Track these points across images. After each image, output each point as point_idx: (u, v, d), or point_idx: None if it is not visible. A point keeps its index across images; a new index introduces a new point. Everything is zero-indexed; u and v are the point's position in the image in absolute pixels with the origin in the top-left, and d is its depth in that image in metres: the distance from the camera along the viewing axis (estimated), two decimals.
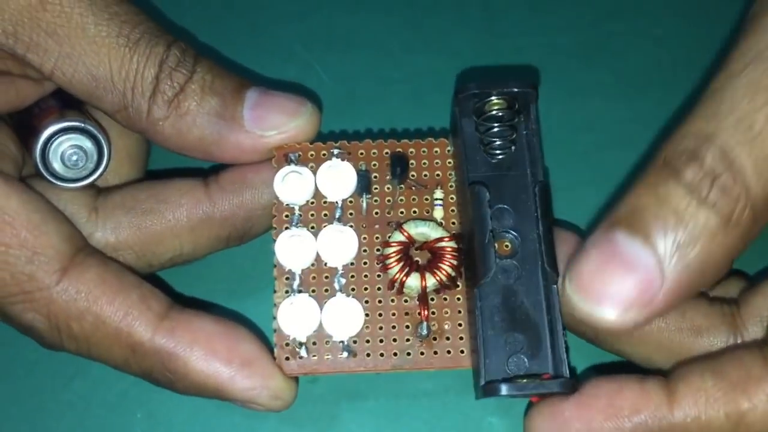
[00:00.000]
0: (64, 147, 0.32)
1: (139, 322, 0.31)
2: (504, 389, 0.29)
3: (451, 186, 0.34)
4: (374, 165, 0.34)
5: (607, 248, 0.28)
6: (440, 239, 0.32)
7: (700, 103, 0.28)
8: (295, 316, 0.32)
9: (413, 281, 0.32)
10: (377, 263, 0.32)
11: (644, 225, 0.28)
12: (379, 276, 0.32)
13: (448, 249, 0.32)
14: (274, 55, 0.40)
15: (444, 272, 0.32)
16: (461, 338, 0.32)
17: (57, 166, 0.32)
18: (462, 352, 0.32)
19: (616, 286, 0.28)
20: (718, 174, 0.27)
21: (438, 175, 0.34)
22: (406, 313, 0.32)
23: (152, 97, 0.31)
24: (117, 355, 0.31)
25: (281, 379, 0.31)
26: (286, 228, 0.33)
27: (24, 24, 0.30)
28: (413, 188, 0.34)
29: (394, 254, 0.32)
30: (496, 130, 0.32)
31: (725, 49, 0.29)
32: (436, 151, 0.34)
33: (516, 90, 0.32)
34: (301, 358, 0.32)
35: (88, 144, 0.32)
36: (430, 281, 0.32)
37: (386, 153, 0.34)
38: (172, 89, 0.32)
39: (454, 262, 0.32)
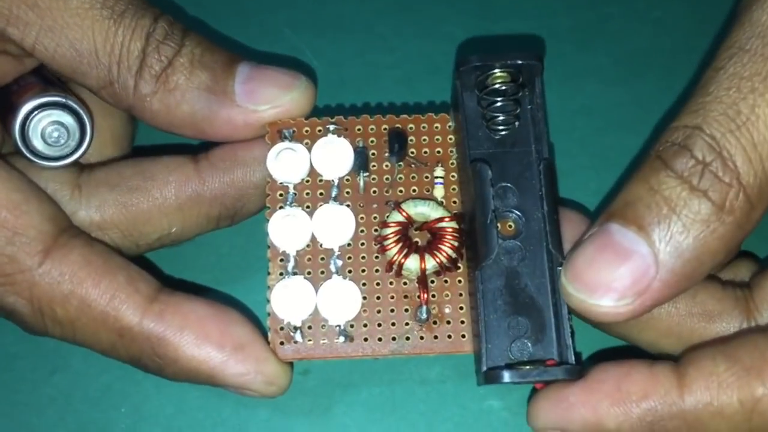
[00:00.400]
0: (45, 123, 0.31)
1: (126, 305, 0.29)
2: (507, 376, 0.28)
3: (452, 163, 0.32)
4: (372, 141, 0.32)
5: (602, 239, 0.28)
6: (440, 219, 0.31)
7: (689, 98, 0.29)
8: (290, 300, 0.30)
9: (412, 263, 0.31)
10: (375, 244, 0.31)
11: (637, 215, 0.27)
12: (377, 257, 0.31)
13: (449, 230, 0.31)
14: (263, 39, 0.39)
15: (444, 254, 0.30)
16: (462, 322, 0.31)
17: (37, 143, 0.31)
18: (463, 336, 0.31)
19: (610, 275, 0.27)
20: (707, 162, 0.27)
21: (438, 151, 0.32)
22: (405, 296, 0.31)
23: (139, 71, 0.30)
24: (104, 340, 0.30)
25: (275, 363, 0.30)
26: (280, 207, 0.31)
27: None
28: (412, 166, 0.32)
29: (392, 235, 0.31)
30: (499, 104, 0.31)
31: (723, 32, 0.30)
32: (437, 127, 0.33)
33: (520, 62, 0.31)
34: (296, 342, 0.30)
35: (69, 120, 0.31)
36: (430, 263, 0.31)
37: (384, 129, 0.32)
38: (159, 63, 0.30)
39: (455, 244, 0.31)
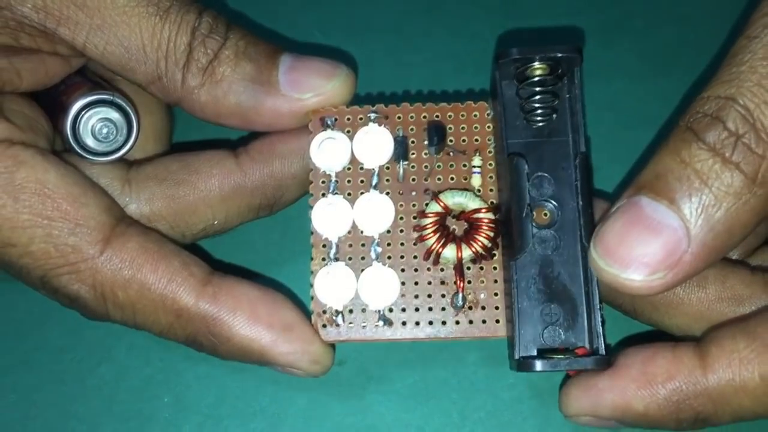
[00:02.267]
0: (94, 120, 0.32)
1: (182, 288, 0.31)
2: (539, 365, 0.29)
3: (489, 152, 0.33)
4: (412, 130, 0.33)
5: (632, 212, 0.28)
6: (477, 210, 0.32)
7: (720, 67, 0.28)
8: (332, 285, 0.32)
9: (449, 252, 0.32)
10: (414, 233, 0.32)
11: (668, 188, 0.28)
12: (415, 245, 0.32)
13: (485, 220, 0.32)
14: (293, 42, 0.39)
15: (480, 243, 0.31)
16: (497, 308, 0.32)
17: (88, 140, 0.32)
18: (497, 321, 0.32)
19: (642, 249, 0.28)
20: (741, 134, 0.27)
21: (477, 140, 0.33)
22: (442, 282, 0.32)
23: (186, 65, 0.31)
24: (162, 321, 0.32)
25: (320, 344, 0.32)
26: (323, 195, 0.33)
27: None
28: (451, 154, 0.33)
29: (430, 225, 0.32)
30: (538, 96, 0.31)
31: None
32: (475, 115, 0.33)
33: (560, 54, 0.31)
34: (337, 326, 0.32)
35: (117, 117, 0.32)
36: (466, 252, 0.31)
37: (424, 117, 0.33)
38: (206, 56, 0.31)
39: (491, 234, 0.32)
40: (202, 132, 0.33)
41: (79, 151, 0.32)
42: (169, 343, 0.33)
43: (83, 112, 0.32)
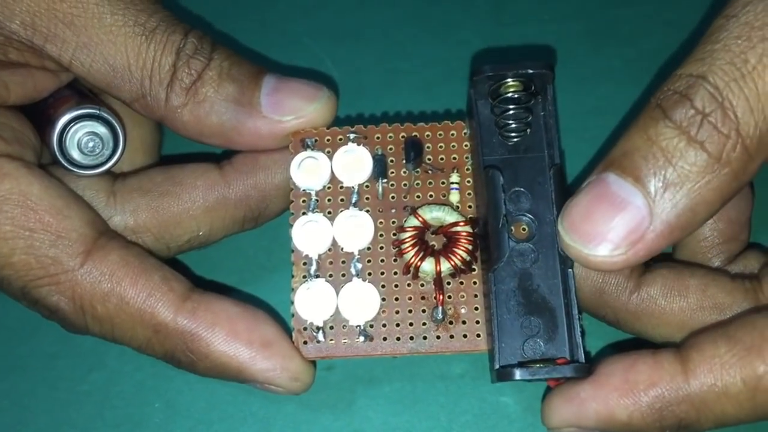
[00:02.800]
0: (80, 134, 0.33)
1: (161, 303, 0.31)
2: (518, 374, 0.29)
3: (467, 169, 0.34)
4: (390, 149, 0.34)
5: (599, 189, 0.28)
6: (455, 224, 0.32)
7: (696, 46, 0.28)
8: (313, 301, 0.32)
9: (428, 266, 0.32)
10: (393, 248, 0.32)
11: (634, 166, 0.28)
12: (395, 260, 0.33)
13: (463, 233, 0.32)
14: (283, 49, 0.40)
15: (459, 257, 0.32)
16: (477, 322, 0.32)
17: (74, 153, 0.33)
18: (478, 335, 0.32)
19: (605, 225, 0.28)
20: (707, 113, 0.27)
21: (454, 158, 0.34)
22: (423, 297, 0.32)
23: (170, 85, 0.32)
24: (140, 335, 0.32)
25: (300, 361, 0.32)
26: (303, 213, 0.33)
27: (41, 15, 0.31)
28: (429, 172, 0.33)
29: (409, 239, 0.32)
30: (511, 112, 0.32)
31: None
32: (453, 134, 0.34)
33: (532, 71, 0.32)
34: (318, 342, 0.32)
35: (103, 131, 0.33)
36: (445, 265, 0.32)
37: (402, 137, 0.34)
38: (189, 77, 0.32)
39: (469, 247, 0.32)
40: (192, 145, 0.34)
41: (65, 164, 0.33)
42: None
43: (70, 126, 0.33)
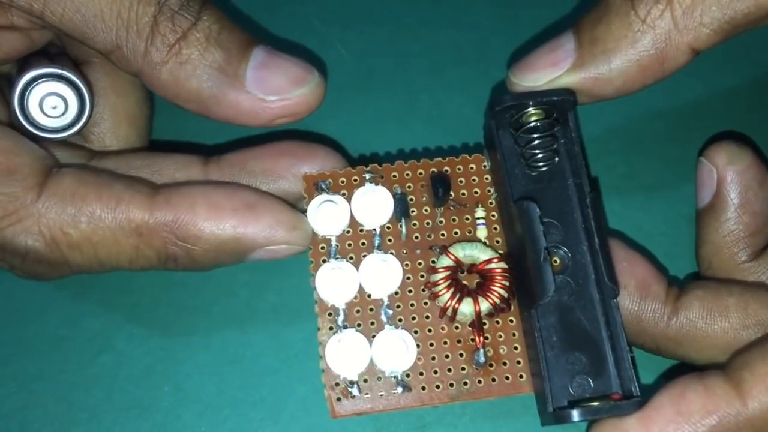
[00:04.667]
0: (42, 94, 0.31)
1: (133, 205, 0.30)
2: (576, 415, 0.28)
3: (491, 203, 0.32)
4: (409, 187, 0.32)
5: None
6: (489, 261, 0.31)
7: None
8: (344, 354, 0.30)
9: (466, 307, 0.30)
10: (424, 290, 0.31)
11: (582, 23, 0.32)
12: (426, 303, 0.31)
13: (498, 270, 0.31)
14: (292, 31, 0.39)
15: (497, 294, 0.30)
16: (518, 362, 0.30)
17: (35, 114, 0.31)
18: (521, 376, 0.30)
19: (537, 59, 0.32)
20: None
21: (476, 192, 0.32)
22: (458, 341, 0.31)
23: (150, 37, 0.30)
24: (126, 247, 0.30)
25: (290, 211, 0.31)
26: (324, 261, 0.31)
27: None
28: (452, 208, 0.32)
29: (442, 280, 0.30)
30: (537, 141, 0.31)
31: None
32: (472, 168, 0.33)
33: (554, 98, 0.31)
34: (353, 397, 0.30)
35: (68, 91, 0.32)
36: (484, 305, 0.30)
37: (420, 173, 0.32)
38: (173, 33, 0.30)
39: (506, 283, 0.30)
40: (187, 133, 0.33)
41: (26, 125, 0.31)
42: (169, 332, 0.33)
43: (32, 86, 0.31)
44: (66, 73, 0.31)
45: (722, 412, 0.28)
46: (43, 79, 0.31)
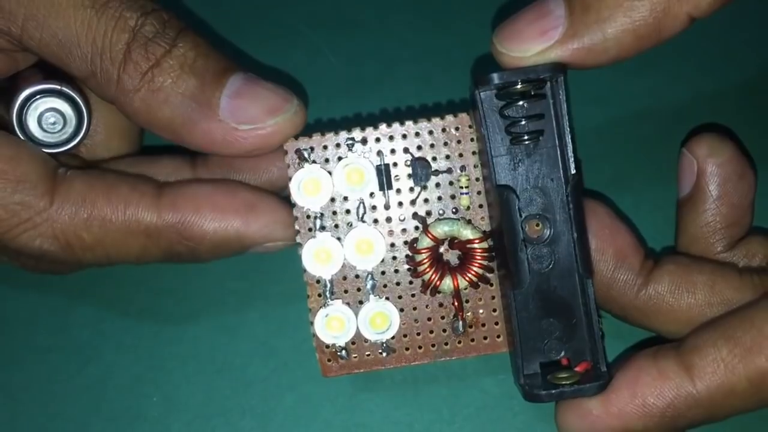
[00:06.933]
0: (41, 110, 0.32)
1: (140, 208, 0.31)
2: (545, 396, 0.30)
3: (475, 166, 0.32)
4: (393, 152, 0.32)
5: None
6: (470, 241, 0.31)
7: None
8: (332, 325, 0.32)
9: (446, 284, 0.31)
10: (406, 267, 0.32)
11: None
12: (409, 270, 0.32)
13: (479, 250, 0.31)
14: (280, 37, 0.38)
15: (475, 273, 0.31)
16: (497, 323, 0.32)
17: (34, 129, 0.32)
18: (498, 337, 0.32)
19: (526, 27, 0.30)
20: None
21: (461, 155, 0.32)
22: (441, 305, 0.32)
23: (122, 65, 0.30)
24: (134, 247, 0.32)
25: (287, 210, 0.32)
26: (310, 231, 0.32)
27: None
28: (435, 176, 0.32)
29: (425, 260, 0.31)
30: (522, 122, 0.30)
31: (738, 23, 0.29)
32: (457, 128, 0.32)
33: (543, 76, 0.29)
34: (342, 359, 0.32)
35: (66, 107, 0.32)
36: (463, 283, 0.31)
37: (404, 136, 0.32)
38: (146, 61, 0.30)
39: (485, 263, 0.31)
40: None
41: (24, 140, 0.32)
42: (157, 341, 0.34)
43: (31, 101, 0.31)
44: (65, 89, 0.31)
45: (674, 394, 0.30)
46: (42, 95, 0.31)
